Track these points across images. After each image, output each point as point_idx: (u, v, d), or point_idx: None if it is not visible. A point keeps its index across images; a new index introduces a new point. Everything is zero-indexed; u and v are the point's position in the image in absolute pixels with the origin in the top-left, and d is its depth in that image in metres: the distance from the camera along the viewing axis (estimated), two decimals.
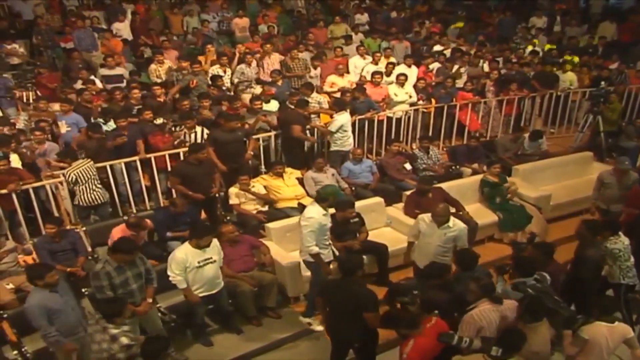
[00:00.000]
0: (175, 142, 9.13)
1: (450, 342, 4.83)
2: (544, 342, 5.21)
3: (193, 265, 6.33)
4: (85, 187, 8.21)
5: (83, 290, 6.52)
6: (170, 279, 6.34)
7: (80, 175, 8.14)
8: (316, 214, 6.72)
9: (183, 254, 6.35)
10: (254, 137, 9.55)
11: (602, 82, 12.10)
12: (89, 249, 7.60)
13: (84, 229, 7.82)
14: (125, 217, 7.78)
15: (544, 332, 5.23)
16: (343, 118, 9.93)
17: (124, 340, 5.30)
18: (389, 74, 12.02)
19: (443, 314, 5.34)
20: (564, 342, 5.34)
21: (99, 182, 8.42)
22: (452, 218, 6.93)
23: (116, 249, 6.01)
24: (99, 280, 5.86)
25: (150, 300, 6.20)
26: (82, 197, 8.26)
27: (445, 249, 6.78)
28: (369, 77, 11.89)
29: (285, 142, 10.02)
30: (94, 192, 8.30)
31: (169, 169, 8.95)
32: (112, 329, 5.35)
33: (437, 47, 14.23)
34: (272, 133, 9.95)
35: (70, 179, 8.12)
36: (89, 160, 8.33)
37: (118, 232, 7.31)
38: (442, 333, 4.90)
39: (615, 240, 6.59)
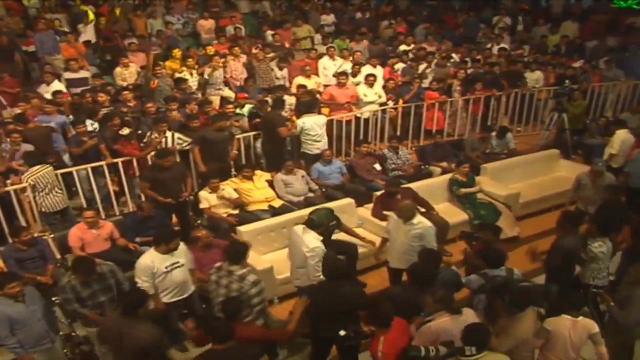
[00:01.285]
0: (152, 150, 8.99)
1: (418, 354, 4.80)
2: (529, 330, 5.30)
3: (161, 270, 6.22)
4: (45, 193, 8.08)
5: (53, 298, 6.37)
6: (138, 285, 6.22)
7: (39, 180, 8.00)
8: (318, 242, 6.57)
9: (149, 260, 6.24)
10: None
11: (567, 81, 12.30)
12: (58, 256, 7.43)
13: (52, 235, 7.65)
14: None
15: (529, 320, 5.32)
16: (304, 121, 9.94)
17: (251, 277, 5.76)
18: (355, 75, 12.06)
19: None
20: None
21: (60, 187, 8.29)
22: (418, 216, 6.90)
23: (74, 270, 5.95)
24: (65, 293, 5.89)
25: None
26: (42, 202, 8.12)
27: (411, 247, 6.68)
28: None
29: (267, 144, 9.99)
30: (55, 197, 8.17)
31: (137, 173, 8.87)
32: (238, 270, 5.81)
33: (403, 47, 14.29)
34: (242, 135, 9.91)
35: (28, 184, 7.99)
36: (47, 165, 8.18)
37: (74, 231, 7.30)
38: (408, 347, 4.88)
39: (601, 243, 6.62)
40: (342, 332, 5.22)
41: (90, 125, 9.47)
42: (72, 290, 5.82)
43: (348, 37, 14.84)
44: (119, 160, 8.92)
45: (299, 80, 11.92)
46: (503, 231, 8.80)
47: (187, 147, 9.23)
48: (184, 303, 6.56)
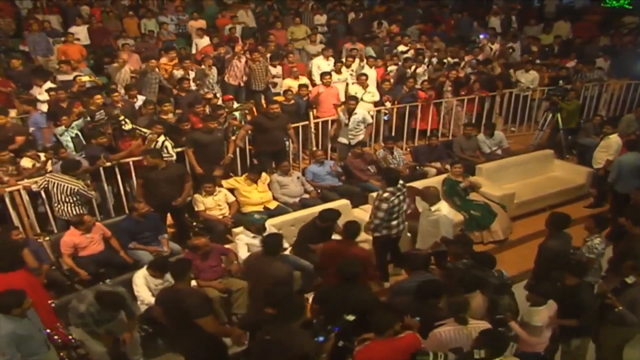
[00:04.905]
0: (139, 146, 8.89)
1: (426, 359, 4.81)
2: (481, 309, 5.59)
3: (153, 288, 6.47)
4: (56, 202, 7.95)
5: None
6: (145, 302, 6.42)
7: (54, 186, 7.84)
8: None
9: (143, 280, 6.53)
10: None
11: (560, 81, 12.31)
12: (52, 259, 7.38)
13: (47, 239, 7.53)
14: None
15: (479, 300, 5.64)
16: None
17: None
18: (338, 72, 12.06)
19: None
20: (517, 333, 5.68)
21: (78, 199, 7.99)
22: (439, 204, 7.33)
23: (103, 304, 5.86)
24: (82, 318, 5.86)
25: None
26: (59, 211, 7.99)
27: (428, 231, 7.37)
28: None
29: (267, 144, 9.92)
30: (69, 208, 7.95)
31: (133, 175, 8.82)
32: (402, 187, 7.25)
33: (402, 48, 14.28)
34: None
35: (40, 184, 7.91)
36: (75, 180, 7.90)
37: (67, 238, 7.22)
38: (416, 352, 4.86)
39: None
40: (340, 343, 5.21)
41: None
42: (90, 315, 5.83)
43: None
44: (116, 161, 8.73)
45: (288, 82, 11.88)
46: (496, 233, 8.86)
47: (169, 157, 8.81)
48: None
